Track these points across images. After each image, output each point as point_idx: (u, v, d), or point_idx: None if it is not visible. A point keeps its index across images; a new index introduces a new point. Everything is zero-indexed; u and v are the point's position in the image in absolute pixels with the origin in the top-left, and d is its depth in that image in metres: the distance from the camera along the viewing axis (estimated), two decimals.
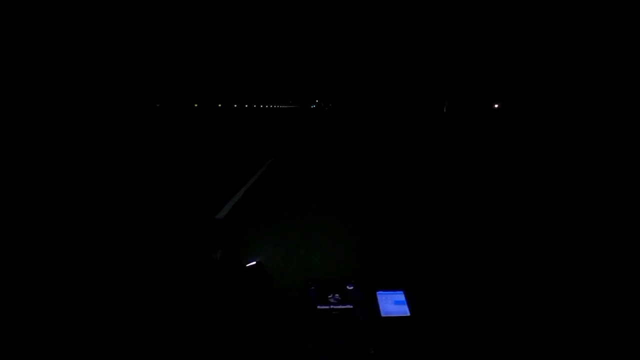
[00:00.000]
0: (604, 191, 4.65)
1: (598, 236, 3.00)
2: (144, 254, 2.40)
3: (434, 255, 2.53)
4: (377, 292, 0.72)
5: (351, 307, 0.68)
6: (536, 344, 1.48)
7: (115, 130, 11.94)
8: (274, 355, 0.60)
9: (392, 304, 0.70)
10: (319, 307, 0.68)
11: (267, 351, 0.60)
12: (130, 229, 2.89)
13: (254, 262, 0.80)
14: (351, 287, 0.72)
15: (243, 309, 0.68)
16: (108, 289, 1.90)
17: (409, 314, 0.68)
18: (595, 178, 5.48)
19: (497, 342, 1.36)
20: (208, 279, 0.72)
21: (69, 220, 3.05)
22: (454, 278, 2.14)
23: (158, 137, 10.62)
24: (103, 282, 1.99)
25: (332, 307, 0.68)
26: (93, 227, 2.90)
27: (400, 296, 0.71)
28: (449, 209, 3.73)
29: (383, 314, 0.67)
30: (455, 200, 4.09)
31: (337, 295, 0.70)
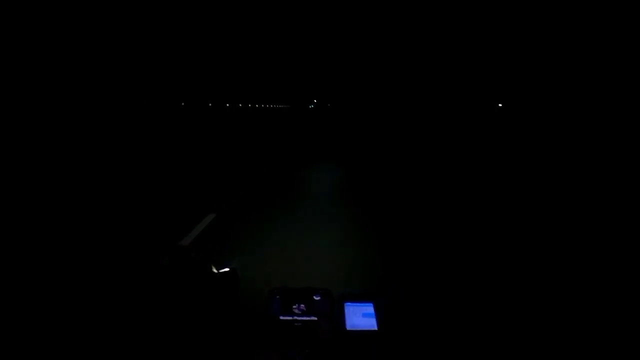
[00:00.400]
0: (609, 191, 4.61)
1: (601, 236, 2.96)
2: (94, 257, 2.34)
3: (412, 264, 2.40)
4: (345, 304, 0.68)
5: (315, 318, 0.65)
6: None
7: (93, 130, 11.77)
8: None
9: (360, 316, 0.66)
10: (281, 317, 0.65)
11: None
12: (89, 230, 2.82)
13: (227, 269, 0.77)
14: (318, 298, 0.69)
15: (203, 315, 0.66)
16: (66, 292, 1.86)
17: (376, 328, 0.63)
18: (602, 178, 5.40)
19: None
20: (156, 284, 0.70)
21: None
22: (432, 288, 2.00)
23: (137, 136, 10.45)
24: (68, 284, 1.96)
25: (295, 317, 0.65)
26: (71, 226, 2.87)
27: (369, 308, 0.67)
28: (433, 215, 3.57)
29: (348, 327, 0.64)
30: (437, 206, 3.93)
31: (302, 305, 0.67)
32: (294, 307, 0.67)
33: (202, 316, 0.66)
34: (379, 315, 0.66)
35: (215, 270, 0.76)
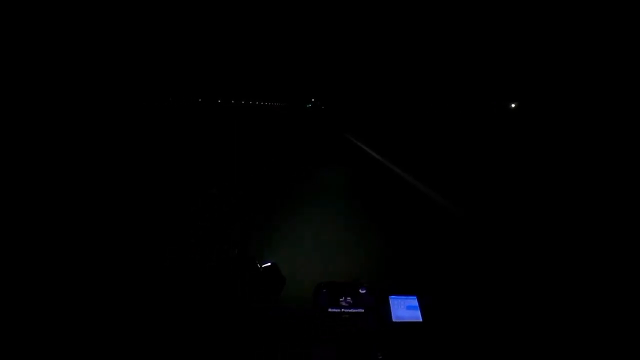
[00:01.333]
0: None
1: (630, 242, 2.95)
2: (158, 251, 2.40)
3: (450, 260, 2.48)
4: (390, 297, 0.71)
5: (362, 310, 0.67)
6: (550, 349, 1.46)
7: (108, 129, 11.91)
8: (282, 356, 0.59)
9: (405, 309, 0.68)
10: (329, 309, 0.67)
11: (275, 352, 0.60)
12: (143, 227, 2.88)
13: (269, 263, 0.80)
14: (364, 291, 0.71)
15: (256, 308, 0.68)
16: (123, 286, 1.89)
17: (421, 320, 0.66)
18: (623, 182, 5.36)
19: (508, 352, 1.34)
20: (224, 277, 0.72)
21: (72, 219, 3.04)
22: (470, 284, 2.08)
23: (161, 134, 10.60)
24: (116, 279, 1.99)
25: (343, 310, 0.67)
26: (103, 226, 2.90)
27: (413, 301, 0.70)
28: (466, 213, 3.67)
29: (394, 319, 0.66)
30: (471, 204, 4.04)
31: (348, 298, 0.69)
32: (341, 299, 0.69)
33: (261, 309, 0.69)
34: (423, 307, 0.68)
35: (259, 266, 0.78)
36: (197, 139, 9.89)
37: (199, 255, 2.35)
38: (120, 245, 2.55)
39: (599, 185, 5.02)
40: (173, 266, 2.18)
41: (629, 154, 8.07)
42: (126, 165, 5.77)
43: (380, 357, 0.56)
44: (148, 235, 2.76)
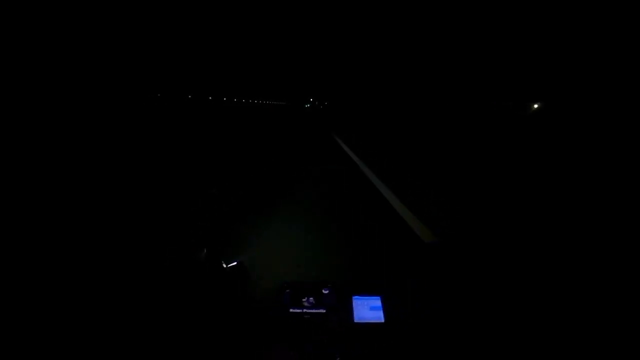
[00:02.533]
0: None
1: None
2: (128, 255, 2.39)
3: (418, 261, 2.47)
4: (353, 297, 0.71)
5: (324, 311, 0.67)
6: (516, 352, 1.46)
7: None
8: (241, 356, 0.59)
9: (368, 309, 0.68)
10: (291, 310, 0.67)
11: (233, 352, 0.60)
12: (115, 230, 2.88)
13: (234, 263, 0.80)
14: (327, 291, 0.71)
15: (219, 309, 0.68)
16: (94, 289, 1.90)
17: (383, 321, 0.66)
18: None
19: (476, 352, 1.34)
20: (193, 280, 0.73)
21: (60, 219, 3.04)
22: (437, 284, 2.06)
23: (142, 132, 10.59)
24: (90, 281, 1.99)
25: (304, 310, 0.67)
26: (78, 227, 2.90)
27: (376, 302, 0.69)
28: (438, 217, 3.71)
29: (356, 320, 0.66)
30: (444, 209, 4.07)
31: (311, 298, 0.69)
32: (304, 300, 0.69)
33: (216, 309, 0.69)
34: (386, 308, 0.68)
35: (224, 265, 0.79)
36: (197, 139, 9.89)
37: (192, 257, 2.35)
38: (120, 245, 2.56)
39: (599, 185, 5.02)
40: (173, 266, 2.19)
41: (629, 154, 8.06)
42: (126, 165, 5.77)
43: (338, 359, 0.56)
44: (148, 235, 2.76)
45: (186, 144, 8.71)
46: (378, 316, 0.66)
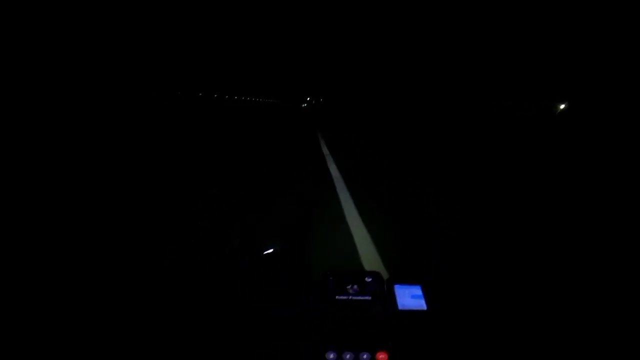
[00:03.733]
0: None
1: None
2: (160, 245, 2.41)
3: (454, 250, 2.58)
4: (395, 285, 0.72)
5: (369, 298, 0.68)
6: (561, 341, 1.48)
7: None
8: (291, 345, 0.60)
9: (409, 297, 0.70)
10: (337, 297, 0.68)
11: (281, 341, 0.60)
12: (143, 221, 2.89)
13: (271, 250, 0.81)
14: (370, 279, 0.72)
15: (259, 296, 0.69)
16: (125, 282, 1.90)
17: (425, 308, 0.68)
18: None
19: (510, 342, 1.37)
20: (226, 267, 0.73)
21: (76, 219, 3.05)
22: (475, 274, 2.14)
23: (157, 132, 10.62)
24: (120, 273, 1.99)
25: (351, 297, 0.68)
26: (101, 222, 2.91)
27: (417, 290, 0.72)
28: (473, 204, 3.72)
29: (400, 307, 0.68)
30: (480, 197, 4.08)
31: (355, 286, 0.70)
32: (348, 287, 0.70)
33: (265, 297, 0.70)
34: (427, 296, 0.70)
35: (262, 252, 0.79)
36: (196, 138, 9.91)
37: (199, 255, 2.36)
38: (120, 245, 2.56)
39: (600, 186, 5.03)
40: (173, 266, 2.19)
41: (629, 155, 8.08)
42: (126, 164, 5.78)
43: (390, 343, 0.58)
44: (148, 235, 2.76)
45: (186, 143, 8.72)
46: (420, 304, 0.69)
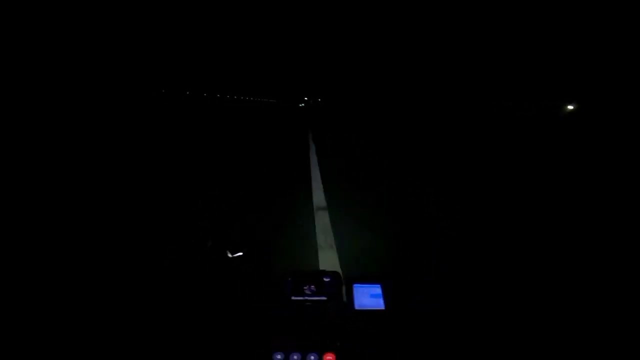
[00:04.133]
0: None
1: None
2: (134, 251, 2.40)
3: (454, 250, 2.59)
4: (354, 285, 0.72)
5: (325, 298, 0.68)
6: (520, 343, 1.49)
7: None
8: (243, 344, 0.60)
9: (368, 297, 0.70)
10: (293, 298, 0.68)
11: (236, 341, 0.60)
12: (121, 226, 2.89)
13: (240, 253, 0.81)
14: (328, 279, 0.73)
15: (224, 298, 0.69)
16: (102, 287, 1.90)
17: (383, 308, 0.67)
18: None
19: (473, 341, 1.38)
20: (198, 270, 0.74)
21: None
22: (474, 274, 2.18)
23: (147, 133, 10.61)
24: (98, 280, 1.99)
25: (306, 297, 0.68)
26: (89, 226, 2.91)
27: (377, 289, 0.71)
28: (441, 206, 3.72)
29: (357, 307, 0.67)
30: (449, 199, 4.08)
31: (312, 286, 0.71)
32: (305, 288, 0.70)
33: (219, 300, 0.71)
34: (386, 295, 0.69)
35: (230, 255, 0.80)
36: (196, 138, 9.90)
37: (199, 255, 2.36)
38: (120, 245, 2.56)
39: (601, 186, 5.04)
40: (173, 266, 2.19)
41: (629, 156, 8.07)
42: (126, 164, 5.77)
43: (338, 344, 0.56)
44: (148, 235, 2.76)
45: (185, 143, 8.71)
46: (378, 303, 0.68)
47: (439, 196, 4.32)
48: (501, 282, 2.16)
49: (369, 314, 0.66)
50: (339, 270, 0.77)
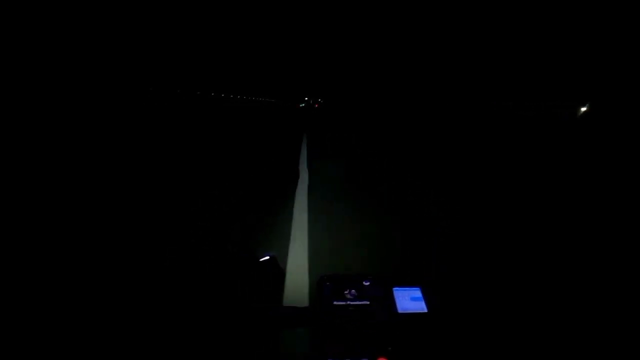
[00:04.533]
0: None
1: None
2: (159, 249, 2.40)
3: (454, 250, 2.59)
4: (394, 289, 0.71)
5: (368, 302, 0.67)
6: (562, 343, 1.49)
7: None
8: (291, 351, 0.59)
9: (409, 300, 0.69)
10: (335, 302, 0.67)
11: (278, 348, 0.60)
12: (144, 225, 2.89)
13: (267, 257, 0.80)
14: (367, 283, 0.72)
15: (256, 304, 0.68)
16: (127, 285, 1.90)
17: (426, 310, 0.67)
18: None
19: (510, 343, 1.38)
20: (223, 274, 0.73)
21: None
22: (474, 276, 2.18)
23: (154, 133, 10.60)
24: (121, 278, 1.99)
25: (348, 302, 0.67)
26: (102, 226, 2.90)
27: (417, 292, 0.71)
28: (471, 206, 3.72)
29: (400, 310, 0.67)
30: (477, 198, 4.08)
31: (353, 290, 0.70)
32: (346, 292, 0.69)
33: (261, 305, 0.69)
34: (427, 298, 0.69)
35: (259, 259, 0.79)
36: (196, 138, 9.89)
37: (199, 255, 2.36)
38: (120, 245, 2.56)
39: (602, 187, 5.04)
40: (173, 266, 2.19)
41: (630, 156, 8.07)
42: (126, 164, 5.77)
43: (390, 349, 0.56)
44: (148, 235, 2.76)
45: (185, 143, 8.71)
46: (421, 306, 0.68)
47: (439, 196, 4.32)
48: (501, 282, 2.16)
49: (414, 317, 0.66)
50: (375, 272, 0.76)
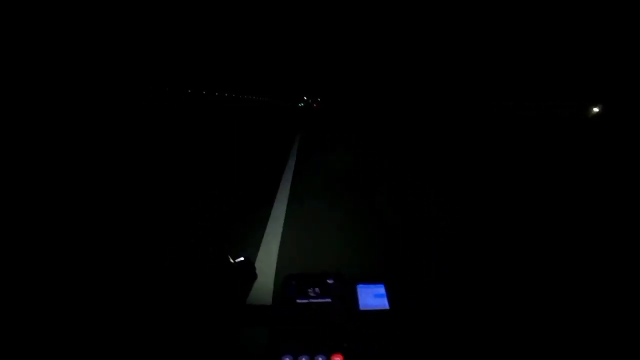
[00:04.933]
0: None
1: None
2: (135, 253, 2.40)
3: (419, 249, 2.60)
4: (357, 286, 0.72)
5: (329, 300, 0.68)
6: (527, 343, 1.49)
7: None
8: (252, 348, 0.60)
9: (372, 297, 0.70)
10: (298, 300, 0.68)
11: (243, 344, 0.60)
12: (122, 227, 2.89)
13: (242, 258, 0.81)
14: (331, 281, 0.72)
15: (227, 305, 0.69)
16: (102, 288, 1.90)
17: (387, 307, 0.67)
18: None
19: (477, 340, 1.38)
20: (199, 276, 0.74)
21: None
22: (473, 274, 2.19)
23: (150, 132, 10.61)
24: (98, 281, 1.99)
25: (311, 300, 0.68)
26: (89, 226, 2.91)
27: (380, 289, 0.71)
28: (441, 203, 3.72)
29: (361, 307, 0.68)
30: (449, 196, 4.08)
31: (316, 289, 0.71)
32: (309, 290, 0.70)
33: (223, 305, 0.70)
34: (390, 295, 0.69)
35: (231, 261, 0.80)
36: (196, 138, 9.90)
37: (199, 255, 2.36)
38: (120, 245, 2.56)
39: (602, 187, 5.04)
40: (173, 266, 2.19)
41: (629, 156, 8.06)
42: (125, 164, 5.77)
43: (345, 345, 0.57)
44: (148, 235, 2.76)
45: (185, 143, 8.71)
46: (383, 303, 0.68)
47: (439, 196, 4.32)
48: (501, 282, 2.16)
49: (374, 314, 0.67)
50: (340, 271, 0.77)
